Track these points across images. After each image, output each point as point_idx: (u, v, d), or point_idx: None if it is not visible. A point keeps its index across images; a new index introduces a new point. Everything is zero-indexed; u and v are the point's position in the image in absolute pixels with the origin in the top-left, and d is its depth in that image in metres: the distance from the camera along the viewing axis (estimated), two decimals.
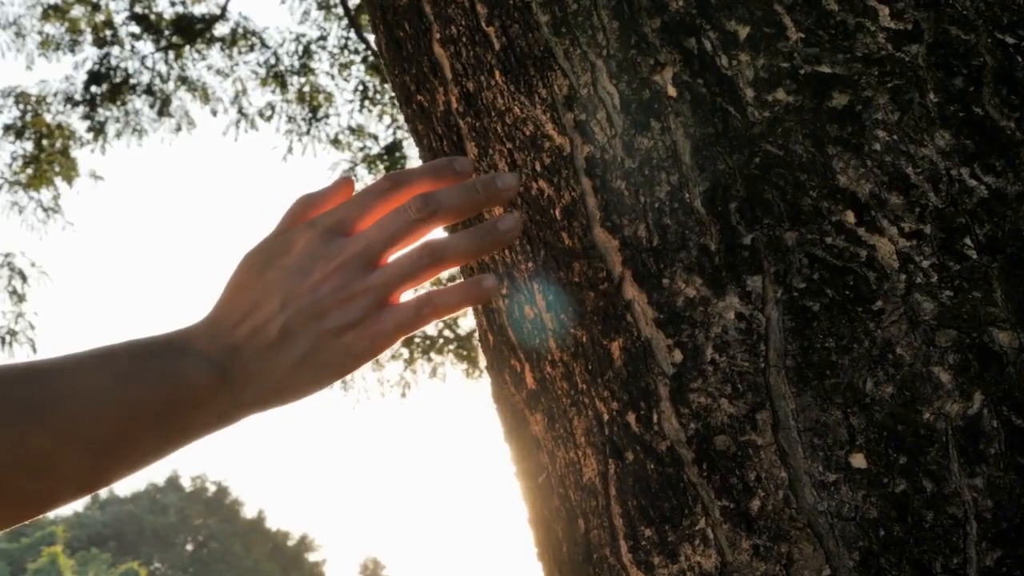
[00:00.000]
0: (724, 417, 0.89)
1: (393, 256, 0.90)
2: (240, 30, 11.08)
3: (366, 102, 11.30)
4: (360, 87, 11.33)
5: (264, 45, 11.17)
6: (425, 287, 0.91)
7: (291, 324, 0.87)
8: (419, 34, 1.16)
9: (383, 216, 0.89)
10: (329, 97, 11.33)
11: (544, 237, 1.02)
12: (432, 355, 11.82)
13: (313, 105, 11.22)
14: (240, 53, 11.14)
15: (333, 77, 11.36)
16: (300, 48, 11.21)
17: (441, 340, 11.73)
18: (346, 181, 0.95)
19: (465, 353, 11.73)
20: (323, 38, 11.28)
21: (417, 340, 11.67)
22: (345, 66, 11.33)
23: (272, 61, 11.19)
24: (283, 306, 0.88)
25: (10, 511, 0.84)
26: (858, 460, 0.84)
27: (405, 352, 11.76)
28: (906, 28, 0.92)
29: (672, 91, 0.96)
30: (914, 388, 0.84)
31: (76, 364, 0.88)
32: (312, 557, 52.53)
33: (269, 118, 11.25)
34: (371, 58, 11.09)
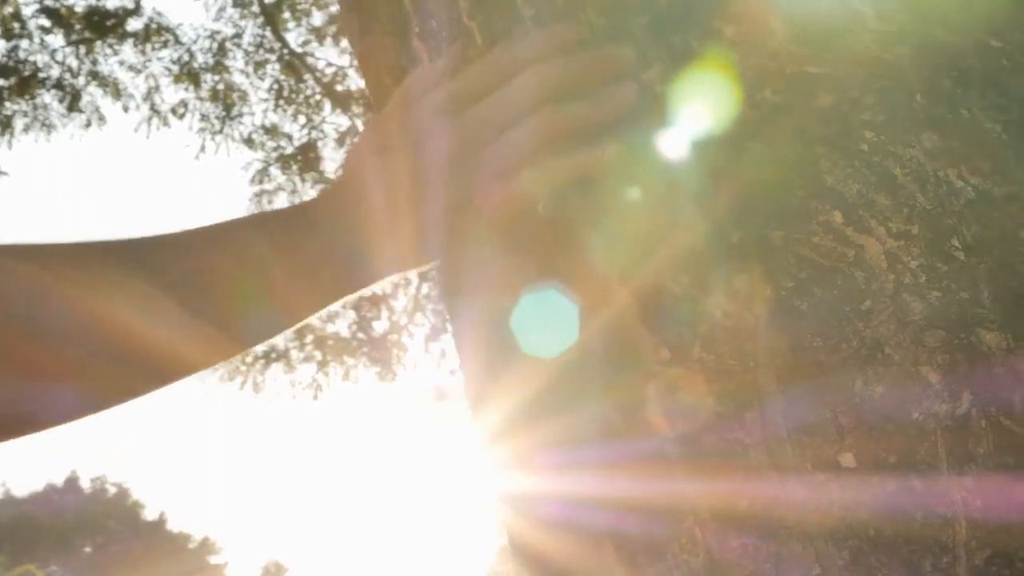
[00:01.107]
0: (712, 415, 0.89)
1: (511, 129, 0.92)
2: (154, 26, 10.97)
3: (281, 101, 11.24)
4: (275, 86, 11.26)
5: (178, 41, 11.08)
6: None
7: (415, 195, 0.90)
8: (397, 28, 1.15)
9: (501, 90, 0.92)
10: (243, 95, 11.26)
11: (525, 233, 1.01)
12: (345, 358, 11.79)
13: (227, 103, 11.13)
14: (153, 49, 11.03)
15: (247, 75, 11.29)
16: (214, 45, 11.11)
17: (355, 342, 11.69)
18: (456, 50, 0.97)
19: (378, 356, 11.70)
20: (238, 36, 11.21)
21: (331, 342, 11.61)
22: (260, 64, 11.28)
23: (186, 58, 11.09)
24: (411, 178, 0.91)
25: (124, 384, 0.87)
26: (847, 460, 0.84)
27: (318, 354, 11.70)
28: (892, 30, 0.93)
29: (660, 88, 0.96)
30: (903, 388, 0.84)
31: (208, 234, 0.92)
32: (214, 559, 52.06)
33: (182, 115, 11.15)
34: (287, 56, 11.03)
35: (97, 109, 10.95)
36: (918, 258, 0.86)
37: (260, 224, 0.95)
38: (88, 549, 49.37)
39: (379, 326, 11.73)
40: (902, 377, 0.85)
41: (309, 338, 11.51)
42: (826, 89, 0.92)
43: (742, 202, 0.92)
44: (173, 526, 52.51)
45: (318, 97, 11.16)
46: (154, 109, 11.04)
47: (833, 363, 0.86)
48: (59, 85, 10.81)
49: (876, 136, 0.90)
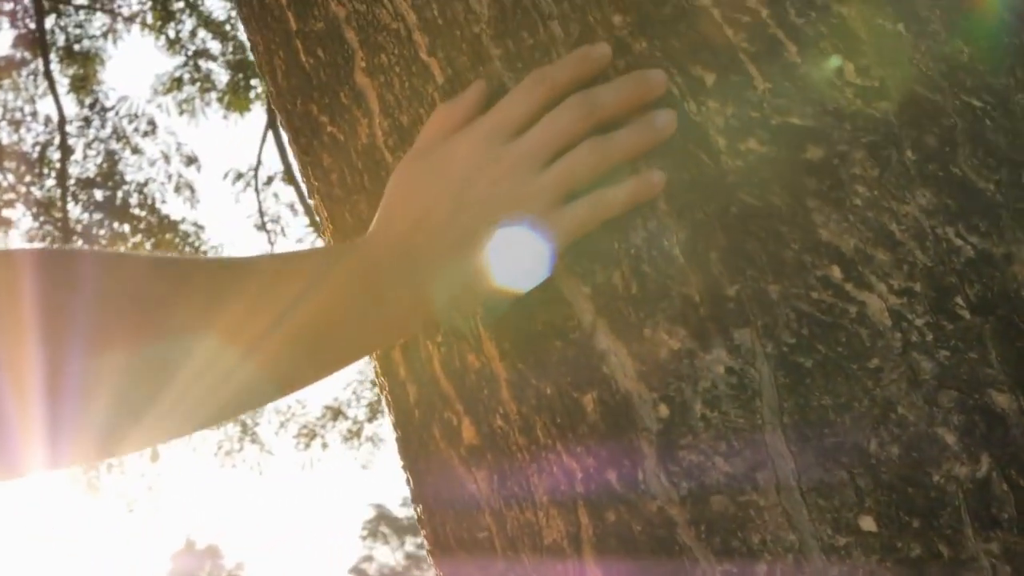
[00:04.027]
0: (720, 476, 0.83)
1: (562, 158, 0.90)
2: None
3: None
4: None
5: None
6: None
7: (469, 228, 0.87)
8: (339, 62, 1.05)
9: (545, 117, 0.88)
10: None
11: None
12: None
13: None
14: None
15: None
16: None
17: None
18: (481, 85, 0.94)
19: None
20: None
21: None
22: None
23: None
24: (457, 211, 0.87)
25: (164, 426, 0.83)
26: (868, 523, 0.79)
27: None
28: (873, 85, 0.89)
29: None
30: (920, 449, 0.80)
31: (266, 267, 0.90)
32: None
33: None
34: None
35: None
36: (923, 316, 0.82)
37: (330, 258, 0.91)
38: None
39: None
40: (918, 438, 0.80)
41: None
42: (814, 141, 0.88)
43: (735, 254, 0.86)
44: None
45: None
46: None
47: (845, 423, 0.81)
48: None
49: (869, 191, 0.86)
